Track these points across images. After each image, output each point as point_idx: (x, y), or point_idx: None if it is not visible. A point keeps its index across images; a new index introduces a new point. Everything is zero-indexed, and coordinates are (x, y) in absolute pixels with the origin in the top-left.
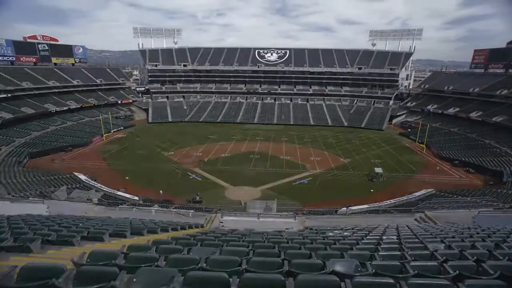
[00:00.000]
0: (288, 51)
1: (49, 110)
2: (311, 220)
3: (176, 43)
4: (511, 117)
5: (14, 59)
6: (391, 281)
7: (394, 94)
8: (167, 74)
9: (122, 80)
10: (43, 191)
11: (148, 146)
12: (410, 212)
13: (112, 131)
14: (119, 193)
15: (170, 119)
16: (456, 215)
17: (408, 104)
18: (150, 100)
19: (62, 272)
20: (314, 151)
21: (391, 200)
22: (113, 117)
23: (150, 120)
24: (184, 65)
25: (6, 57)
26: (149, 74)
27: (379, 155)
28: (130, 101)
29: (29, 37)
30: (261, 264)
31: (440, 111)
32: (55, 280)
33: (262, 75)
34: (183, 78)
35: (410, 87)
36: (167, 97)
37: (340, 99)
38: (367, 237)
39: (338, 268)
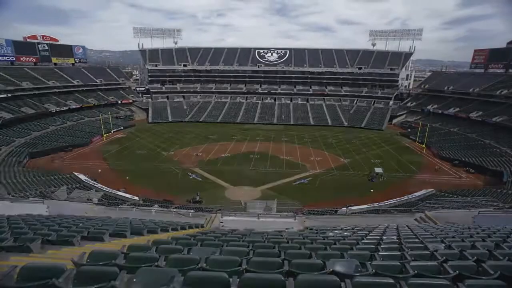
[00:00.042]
0: (288, 51)
1: (49, 110)
2: (311, 220)
3: (176, 43)
4: (511, 117)
5: (14, 59)
6: (391, 281)
7: (394, 94)
8: (167, 74)
9: (122, 80)
10: (43, 191)
11: (148, 146)
12: (410, 212)
13: (112, 131)
14: (119, 193)
15: (170, 119)
16: (456, 215)
17: (408, 104)
18: (150, 100)
19: (62, 272)
20: (314, 151)
21: (391, 200)
22: (113, 117)
23: (150, 120)
24: (184, 65)
25: (6, 57)
26: (149, 74)
27: (379, 155)
28: (130, 101)
29: (29, 37)
30: (261, 264)
31: (440, 111)
32: (55, 280)
33: (262, 75)
34: (183, 78)
35: (410, 87)
36: (167, 97)
37: (340, 99)
38: (367, 237)
39: (338, 268)
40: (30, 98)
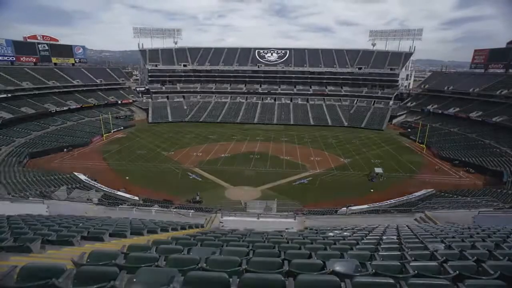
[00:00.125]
0: (288, 51)
1: (49, 110)
2: (311, 220)
3: (176, 43)
4: (511, 117)
5: (14, 59)
6: (391, 281)
7: (394, 94)
8: (167, 74)
9: (122, 80)
10: (43, 191)
11: (148, 146)
12: (410, 212)
13: (112, 131)
14: (119, 193)
15: (170, 119)
16: (456, 215)
17: (408, 104)
18: (150, 100)
19: (62, 272)
20: (314, 151)
21: (391, 200)
22: (113, 117)
23: (150, 120)
24: (184, 65)
25: (6, 57)
26: (149, 74)
27: (379, 155)
28: (130, 101)
29: (29, 37)
30: (261, 264)
31: (440, 111)
32: (55, 280)
33: (262, 75)
34: (183, 78)
35: (410, 87)
36: (167, 97)
37: (340, 99)
38: (367, 237)
39: (338, 268)
40: (30, 98)
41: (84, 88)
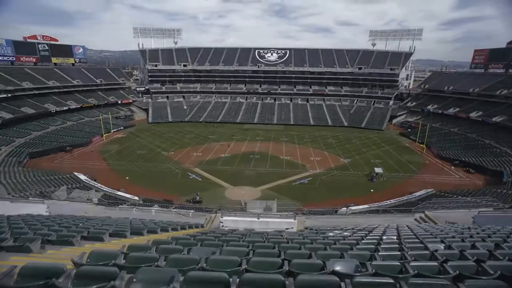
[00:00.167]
0: (288, 51)
1: (49, 110)
2: (311, 220)
3: (176, 43)
4: (511, 117)
5: (14, 59)
6: (391, 281)
7: (394, 94)
8: (167, 74)
9: (122, 80)
10: (43, 191)
11: (148, 146)
12: (410, 212)
13: (112, 131)
14: (119, 193)
15: (170, 119)
16: (456, 215)
17: (408, 104)
18: (150, 100)
19: (62, 272)
20: (314, 151)
21: (391, 200)
22: (113, 117)
23: (150, 120)
24: (184, 65)
25: (6, 57)
26: (149, 74)
27: (379, 155)
28: (130, 101)
29: (29, 37)
30: (261, 264)
31: (440, 111)
32: (55, 280)
33: (262, 75)
34: (183, 78)
35: (410, 87)
36: (167, 97)
37: (340, 99)
38: (367, 237)
39: (338, 268)
40: (30, 98)
41: (84, 88)
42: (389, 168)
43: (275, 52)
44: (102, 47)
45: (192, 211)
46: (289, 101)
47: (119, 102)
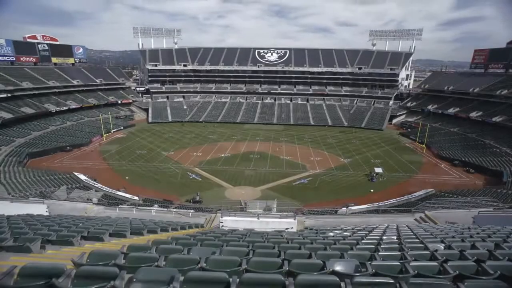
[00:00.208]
0: (288, 51)
1: (49, 110)
2: (311, 220)
3: (176, 43)
4: (511, 117)
5: (14, 59)
6: (391, 281)
7: (394, 94)
8: (167, 74)
9: (122, 80)
10: (43, 191)
11: (148, 146)
12: (410, 212)
13: (112, 131)
14: (119, 193)
15: (170, 119)
16: (456, 215)
17: (408, 104)
18: (150, 100)
19: (62, 272)
20: (314, 151)
21: (391, 200)
22: (113, 117)
23: (150, 120)
24: (184, 65)
25: (6, 57)
26: (149, 74)
27: (379, 155)
28: (130, 101)
29: (29, 37)
30: (261, 264)
31: (440, 111)
32: (55, 280)
33: (262, 75)
34: (183, 78)
35: (410, 87)
36: (167, 97)
37: (340, 99)
38: (367, 237)
39: (338, 268)
40: (30, 98)
41: (84, 88)
42: (389, 168)
43: (275, 52)
44: (102, 47)
45: (192, 211)
46: (289, 101)
47: (119, 102)
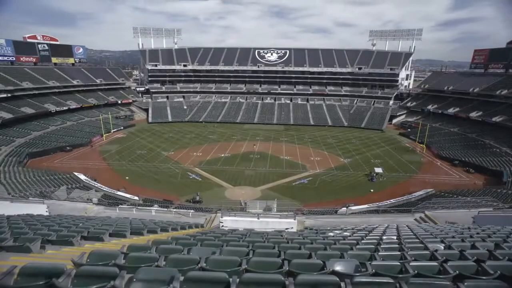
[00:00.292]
0: (288, 51)
1: (49, 110)
2: (311, 220)
3: (176, 43)
4: (511, 117)
5: (14, 59)
6: (391, 281)
7: (394, 94)
8: (167, 74)
9: (122, 80)
10: (43, 191)
11: (148, 146)
12: (410, 212)
13: (112, 131)
14: (119, 193)
15: (170, 119)
16: (456, 215)
17: (408, 104)
18: (150, 100)
19: (62, 272)
20: (314, 151)
21: (391, 200)
22: (113, 117)
23: (150, 120)
24: (184, 65)
25: (6, 57)
26: (149, 74)
27: (379, 155)
28: (130, 101)
29: (29, 37)
30: (261, 264)
31: (440, 111)
32: (55, 280)
33: (262, 75)
34: (183, 78)
35: (410, 87)
36: (167, 97)
37: (340, 99)
38: (367, 237)
39: (338, 268)
40: (30, 98)
41: (84, 88)
42: (389, 168)
43: (275, 52)
44: (102, 47)
45: (192, 211)
46: (289, 101)
47: (119, 102)
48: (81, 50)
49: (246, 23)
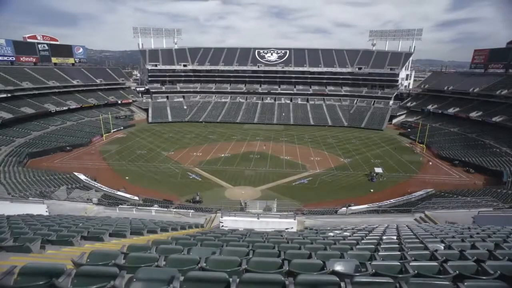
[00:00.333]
0: (288, 51)
1: (49, 110)
2: (311, 220)
3: (176, 43)
4: (511, 117)
5: (14, 59)
6: (391, 281)
7: (394, 94)
8: (167, 74)
9: (122, 80)
10: (43, 191)
11: (148, 146)
12: (410, 212)
13: (112, 131)
14: (119, 193)
15: (170, 119)
16: (456, 215)
17: (408, 104)
18: (150, 100)
19: (62, 272)
20: (314, 151)
21: (391, 200)
22: (113, 117)
23: (150, 120)
24: (184, 65)
25: (6, 57)
26: (149, 74)
27: (379, 155)
28: (130, 101)
29: (29, 37)
30: (261, 264)
31: (440, 111)
32: (55, 280)
33: (262, 75)
34: (183, 78)
35: (410, 87)
36: (167, 97)
37: (340, 99)
38: (367, 237)
39: (338, 268)
40: (30, 98)
41: (84, 88)
42: (389, 168)
43: (275, 52)
44: (102, 47)
45: (192, 211)
46: (289, 101)
47: (119, 102)
48: (81, 50)
49: (246, 23)
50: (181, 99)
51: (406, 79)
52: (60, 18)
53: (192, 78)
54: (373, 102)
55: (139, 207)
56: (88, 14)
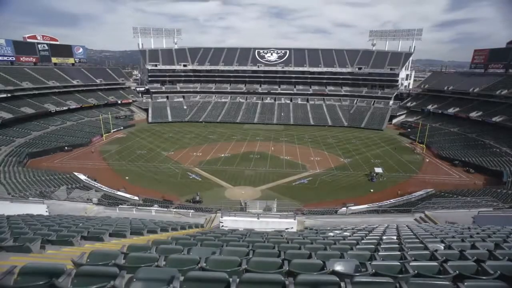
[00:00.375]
0: (288, 51)
1: (49, 110)
2: (311, 220)
3: (176, 43)
4: (511, 117)
5: (14, 59)
6: (391, 281)
7: (394, 94)
8: (167, 74)
9: (122, 80)
10: (43, 191)
11: (148, 146)
12: (410, 212)
13: (112, 131)
14: (119, 193)
15: (170, 119)
16: (456, 215)
17: (408, 104)
18: (150, 100)
19: (62, 272)
20: (314, 151)
21: (391, 200)
22: (113, 117)
23: (150, 120)
24: (184, 65)
25: (6, 57)
26: (149, 74)
27: (379, 155)
28: (130, 101)
29: (29, 37)
30: (261, 264)
31: (440, 111)
32: (55, 280)
33: (262, 75)
34: (183, 78)
35: (410, 87)
36: (167, 97)
37: (340, 99)
38: (367, 237)
39: (338, 268)
40: (30, 98)
41: (84, 88)
42: (389, 168)
43: (275, 52)
44: (102, 47)
45: (192, 211)
46: (289, 101)
47: (119, 102)
48: (81, 50)
49: (246, 23)
50: (181, 99)
51: (406, 79)
52: (60, 18)
53: (192, 78)
54: (373, 102)
55: (139, 207)
56: (88, 14)
